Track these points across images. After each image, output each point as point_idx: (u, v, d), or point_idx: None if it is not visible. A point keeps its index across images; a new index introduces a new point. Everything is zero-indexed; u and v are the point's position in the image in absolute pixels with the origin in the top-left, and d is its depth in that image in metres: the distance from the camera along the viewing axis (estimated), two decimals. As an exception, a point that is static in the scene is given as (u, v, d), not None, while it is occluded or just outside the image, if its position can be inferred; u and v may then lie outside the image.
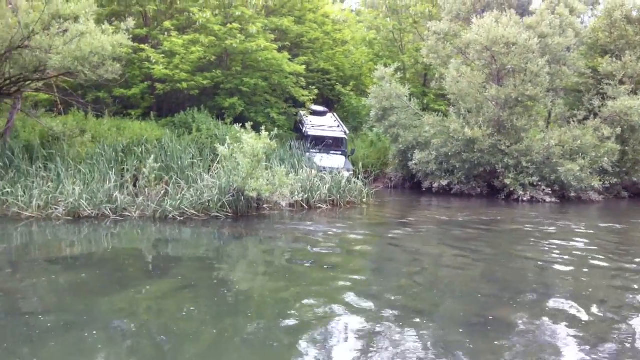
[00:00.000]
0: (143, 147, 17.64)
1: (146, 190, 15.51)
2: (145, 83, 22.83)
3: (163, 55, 22.41)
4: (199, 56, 22.44)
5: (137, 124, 20.22)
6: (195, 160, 17.46)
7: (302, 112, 25.70)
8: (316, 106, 26.82)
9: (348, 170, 22.54)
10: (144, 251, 11.97)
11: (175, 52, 22.38)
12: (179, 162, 17.04)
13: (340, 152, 23.87)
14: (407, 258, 11.84)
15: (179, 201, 14.86)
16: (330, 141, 24.20)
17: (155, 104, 23.93)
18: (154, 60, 21.90)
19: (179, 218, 14.54)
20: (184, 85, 22.04)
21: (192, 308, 7.78)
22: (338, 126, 25.13)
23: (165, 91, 22.62)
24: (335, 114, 27.53)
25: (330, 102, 32.39)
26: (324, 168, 20.51)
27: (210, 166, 17.31)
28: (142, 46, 22.36)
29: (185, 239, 13.29)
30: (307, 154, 22.23)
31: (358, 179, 20.16)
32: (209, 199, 15.12)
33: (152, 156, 16.12)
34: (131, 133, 18.91)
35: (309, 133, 23.71)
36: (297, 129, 25.60)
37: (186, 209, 14.77)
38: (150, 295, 8.47)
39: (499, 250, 13.05)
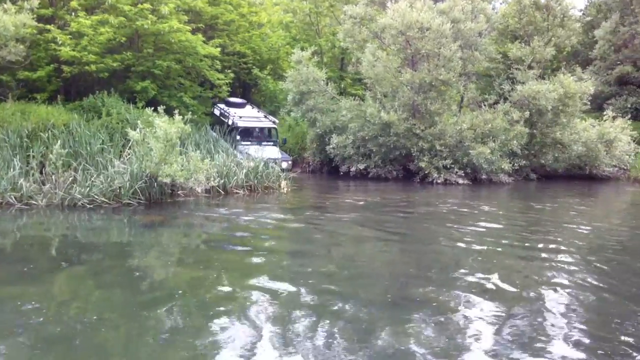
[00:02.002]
0: (50, 132, 16.84)
1: (53, 177, 14.79)
2: (52, 65, 21.75)
3: (70, 37, 21.37)
4: (108, 37, 21.54)
5: (43, 108, 19.23)
6: (106, 146, 16.82)
7: (221, 105, 25.13)
8: (233, 98, 26.37)
9: (286, 161, 22.35)
10: (51, 240, 11.42)
11: (83, 33, 21.39)
12: (88, 148, 16.38)
13: (272, 143, 23.55)
14: (325, 242, 11.79)
15: (88, 188, 14.29)
16: (259, 131, 23.88)
17: (62, 87, 22.88)
18: (60, 42, 20.86)
19: (88, 206, 14.00)
20: (93, 67, 21.11)
21: (103, 298, 7.45)
22: (265, 116, 24.75)
23: (73, 74, 21.64)
24: (253, 104, 27.12)
25: (247, 86, 31.99)
26: (265, 159, 20.16)
27: (121, 152, 16.71)
28: (48, 27, 21.26)
29: (95, 227, 12.78)
30: (239, 146, 21.85)
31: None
32: (120, 185, 14.60)
33: (59, 142, 15.42)
34: (37, 118, 17.96)
35: (239, 124, 23.05)
36: (217, 121, 24.74)
37: (96, 196, 14.23)
38: (59, 287, 8.07)
39: (415, 231, 13.21)
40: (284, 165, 21.78)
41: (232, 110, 24.15)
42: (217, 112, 25.01)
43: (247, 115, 24.01)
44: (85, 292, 7.93)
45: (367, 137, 23.34)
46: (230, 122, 23.27)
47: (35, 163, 15.40)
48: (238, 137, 22.63)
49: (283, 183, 19.13)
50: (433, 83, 22.89)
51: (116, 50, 22.62)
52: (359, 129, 23.36)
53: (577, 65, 30.23)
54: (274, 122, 24.34)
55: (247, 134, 23.33)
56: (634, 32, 33.78)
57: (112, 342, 6.17)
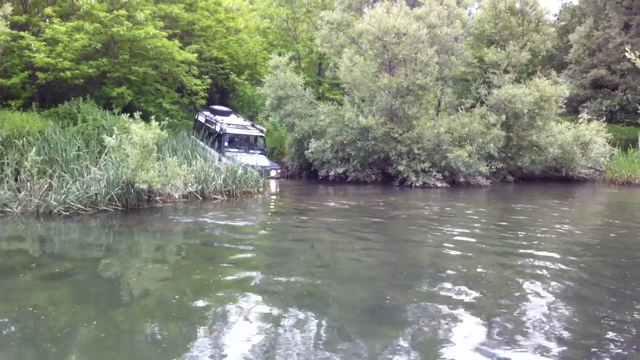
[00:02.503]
0: (24, 139, 16.60)
1: (28, 184, 14.56)
2: (26, 72, 21.53)
3: (45, 43, 21.17)
4: (83, 44, 21.38)
5: (17, 115, 18.99)
6: (81, 153, 16.62)
7: (205, 112, 24.95)
8: (218, 106, 26.25)
9: (276, 169, 22.29)
10: (26, 248, 11.24)
11: (57, 40, 21.22)
12: (64, 155, 16.19)
13: (259, 151, 23.46)
14: (303, 246, 11.76)
15: (64, 195, 14.09)
16: (247, 139, 23.81)
17: (37, 93, 22.65)
18: (34, 48, 20.66)
19: (64, 213, 13.81)
20: (68, 74, 20.92)
21: (78, 305, 7.35)
22: (252, 125, 24.65)
23: (47, 80, 21.45)
24: (237, 113, 27.04)
25: (224, 91, 31.92)
26: (254, 167, 20.19)
27: (97, 158, 16.52)
28: (22, 33, 21.04)
29: (71, 234, 12.61)
30: (227, 153, 21.79)
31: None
32: (96, 192, 14.42)
33: (34, 148, 15.21)
34: (11, 125, 17.71)
35: (228, 131, 22.92)
36: (201, 127, 24.38)
37: (72, 204, 14.04)
38: (34, 294, 7.91)
39: (394, 235, 13.23)
40: (273, 173, 21.82)
41: (218, 118, 24.01)
42: (201, 118, 24.75)
43: (234, 123, 23.92)
44: (59, 299, 7.81)
45: (345, 142, 23.40)
46: (218, 129, 23.07)
47: (9, 170, 15.16)
48: (226, 144, 22.51)
49: (272, 184, 19.30)
50: (410, 87, 23.03)
51: (92, 56, 22.46)
52: (338, 133, 23.42)
53: (553, 69, 30.58)
54: (261, 131, 24.24)
55: (235, 141, 23.20)
56: (607, 36, 34.30)
57: (86, 349, 6.09)
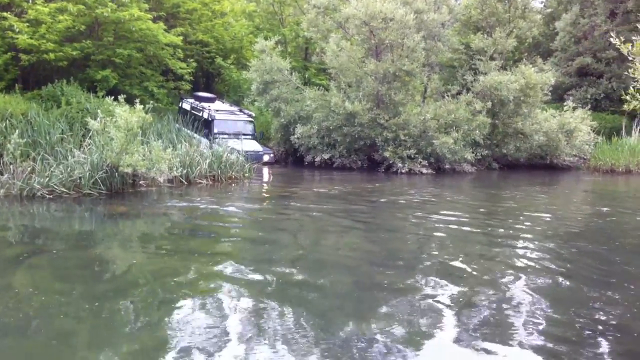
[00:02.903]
0: (7, 121, 16.51)
1: (11, 167, 14.43)
2: (9, 54, 21.27)
3: (28, 24, 20.91)
4: (67, 25, 21.12)
5: (0, 97, 18.80)
6: (65, 136, 16.51)
7: (190, 99, 24.75)
8: (202, 93, 26.08)
9: (268, 154, 22.24)
10: (9, 232, 11.13)
11: (41, 21, 20.97)
12: (47, 138, 16.08)
13: (250, 136, 23.40)
14: (290, 231, 11.73)
15: (47, 178, 13.98)
16: (236, 125, 23.64)
17: (20, 76, 22.41)
18: (17, 30, 20.41)
19: (47, 196, 13.70)
20: (52, 56, 20.69)
21: (64, 288, 7.30)
22: (240, 110, 24.54)
23: (31, 62, 21.22)
24: (224, 100, 26.89)
25: (210, 75, 31.71)
26: (247, 152, 20.24)
27: (81, 141, 16.37)
28: (4, 14, 20.77)
29: (55, 217, 12.52)
30: (217, 139, 21.69)
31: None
32: (80, 175, 14.30)
33: (17, 131, 15.10)
34: (-7, 107, 17.59)
35: (217, 117, 22.87)
36: (186, 114, 24.08)
37: (55, 187, 13.93)
38: (20, 280, 7.84)
39: (381, 220, 13.23)
40: (266, 158, 21.85)
41: (204, 104, 23.85)
42: (186, 106, 24.59)
43: (222, 109, 23.80)
44: (45, 283, 7.75)
45: (331, 127, 23.34)
46: (206, 116, 22.97)
47: (-8, 153, 15.05)
48: (215, 131, 22.40)
49: (265, 171, 19.64)
50: (397, 73, 22.98)
51: (75, 38, 22.23)
52: (324, 118, 23.35)
53: (538, 56, 30.64)
54: (250, 116, 24.15)
55: (225, 127, 23.08)
56: (593, 24, 34.39)
57: (74, 332, 6.04)
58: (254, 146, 22.06)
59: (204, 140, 21.21)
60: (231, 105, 25.21)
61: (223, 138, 22.03)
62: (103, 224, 12.04)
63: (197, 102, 24.11)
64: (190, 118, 23.20)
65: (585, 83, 34.78)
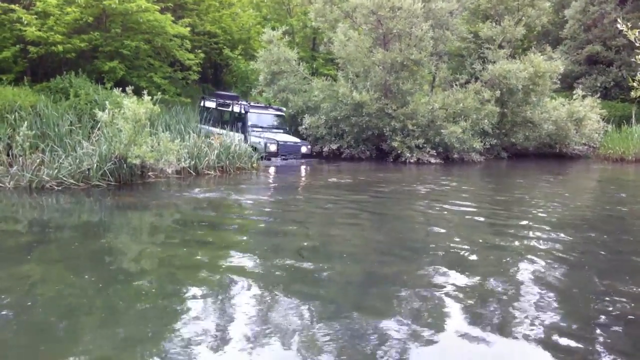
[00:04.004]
0: (16, 113, 16.49)
1: (20, 159, 14.51)
2: (17, 46, 21.26)
3: (36, 17, 20.91)
4: (75, 17, 21.11)
5: (9, 90, 18.81)
6: (74, 127, 16.54)
7: (212, 99, 24.59)
8: (223, 92, 26.06)
9: (306, 146, 22.22)
10: (19, 223, 11.20)
11: (49, 13, 20.95)
12: (56, 129, 16.11)
13: (282, 130, 23.48)
14: (299, 221, 11.74)
15: (56, 170, 14.04)
16: (269, 119, 23.60)
17: (29, 68, 22.40)
18: (25, 22, 20.40)
19: (56, 188, 13.77)
20: (60, 48, 20.69)
21: (75, 279, 7.34)
22: (267, 105, 24.57)
23: (39, 54, 21.21)
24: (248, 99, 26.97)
25: (218, 66, 31.69)
26: (286, 143, 21.19)
27: (89, 133, 16.43)
28: (13, 6, 20.76)
29: (64, 209, 12.57)
30: (253, 132, 21.92)
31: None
32: (89, 167, 14.36)
33: (26, 123, 15.13)
34: (3, 99, 17.56)
35: (251, 111, 22.80)
36: (212, 113, 23.83)
37: (64, 179, 13.99)
38: (32, 269, 7.89)
39: (389, 210, 13.22)
40: (304, 149, 21.78)
41: (230, 101, 23.87)
42: (209, 104, 24.38)
43: (255, 104, 23.93)
44: (56, 273, 7.80)
45: (339, 117, 23.33)
46: (238, 110, 22.86)
47: (1, 145, 15.10)
48: (249, 123, 22.38)
49: (302, 168, 20.20)
50: (405, 63, 22.90)
51: (83, 30, 22.21)
52: (332, 109, 23.34)
53: (547, 44, 30.44)
54: (280, 110, 24.23)
55: (258, 120, 22.97)
56: (603, 11, 34.11)
57: (84, 322, 6.08)
58: (292, 138, 22.13)
59: (237, 135, 21.23)
60: (257, 102, 25.28)
61: (258, 132, 22.11)
62: (112, 215, 12.08)
63: (222, 100, 24.09)
64: (217, 115, 23.28)
65: (595, 71, 34.57)
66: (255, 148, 20.71)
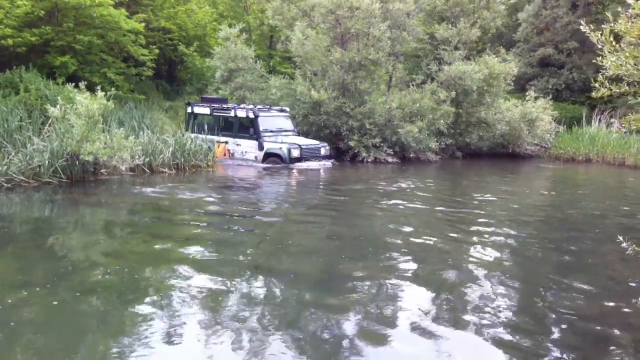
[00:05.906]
0: (-37, 109, 16.00)
1: (-33, 155, 14.09)
2: (-35, 39, 20.66)
3: (-16, 9, 20.34)
4: (26, 10, 20.56)
5: (-45, 84, 18.28)
6: (24, 123, 16.08)
7: (201, 104, 23.11)
8: (212, 96, 24.99)
9: (325, 147, 21.28)
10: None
11: (-2, 6, 20.41)
12: (5, 125, 15.64)
13: (292, 132, 21.83)
14: (254, 221, 11.67)
15: (5, 167, 13.65)
16: (277, 121, 21.75)
17: (-24, 62, 21.78)
18: (-27, 14, 19.83)
19: (6, 185, 13.39)
20: (10, 41, 20.13)
21: (23, 280, 7.14)
22: (270, 107, 23.24)
23: (-13, 48, 20.64)
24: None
25: (172, 62, 31.28)
26: (307, 146, 20.20)
27: (40, 129, 16.01)
28: (-40, -2, 20.16)
29: (13, 206, 12.23)
30: (265, 137, 20.39)
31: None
32: (40, 163, 14.00)
33: (-27, 118, 14.69)
34: (-51, 94, 17.07)
35: (261, 115, 20.77)
36: (200, 119, 22.43)
37: (14, 175, 13.62)
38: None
39: (347, 209, 13.23)
40: (323, 151, 20.86)
41: (229, 105, 22.32)
42: (202, 110, 22.50)
43: (260, 106, 22.19)
44: (4, 273, 7.57)
45: (297, 116, 23.23)
46: (243, 114, 20.94)
47: (-53, 141, 14.64)
48: (261, 128, 20.59)
49: (322, 170, 19.81)
50: (362, 62, 22.95)
51: (34, 24, 21.64)
52: (289, 107, 23.23)
53: (502, 46, 30.86)
54: (285, 111, 22.56)
55: (268, 124, 21.13)
56: (555, 15, 34.79)
57: (29, 327, 5.91)
58: (311, 141, 21.26)
59: (248, 142, 20.56)
60: (249, 104, 23.92)
61: (270, 136, 20.68)
62: (62, 213, 11.82)
63: (217, 105, 22.30)
64: (214, 122, 21.72)
65: (547, 73, 35.22)
66: (275, 154, 19.86)
